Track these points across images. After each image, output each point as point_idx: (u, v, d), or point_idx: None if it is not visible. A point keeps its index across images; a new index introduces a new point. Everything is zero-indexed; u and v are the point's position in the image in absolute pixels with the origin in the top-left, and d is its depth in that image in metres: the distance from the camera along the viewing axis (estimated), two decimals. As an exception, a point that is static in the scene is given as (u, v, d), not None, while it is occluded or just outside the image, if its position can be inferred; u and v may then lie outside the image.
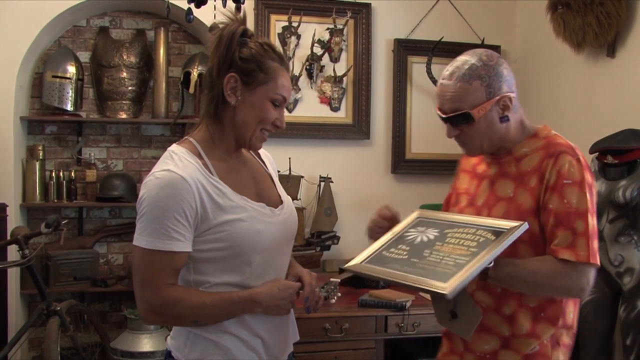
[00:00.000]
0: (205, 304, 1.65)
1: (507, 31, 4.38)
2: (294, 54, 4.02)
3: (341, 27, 4.07)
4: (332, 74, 4.10)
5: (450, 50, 4.13)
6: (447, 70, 1.85)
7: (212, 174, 1.69)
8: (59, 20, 3.91)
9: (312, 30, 4.03)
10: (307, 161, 4.04)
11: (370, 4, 4.14)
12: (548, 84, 3.99)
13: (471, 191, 1.97)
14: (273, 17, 4.01)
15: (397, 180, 4.25)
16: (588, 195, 1.72)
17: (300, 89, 4.05)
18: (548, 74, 4.00)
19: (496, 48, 4.16)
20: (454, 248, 1.71)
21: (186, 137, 1.78)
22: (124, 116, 4.18)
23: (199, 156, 1.71)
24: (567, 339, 1.85)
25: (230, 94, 1.71)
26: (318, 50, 4.04)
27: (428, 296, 3.16)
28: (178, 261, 1.64)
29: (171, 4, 3.07)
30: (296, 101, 4.05)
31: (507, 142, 1.87)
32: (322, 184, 4.00)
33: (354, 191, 4.16)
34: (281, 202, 1.86)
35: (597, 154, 3.09)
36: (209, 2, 2.70)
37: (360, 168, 4.19)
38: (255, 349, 1.74)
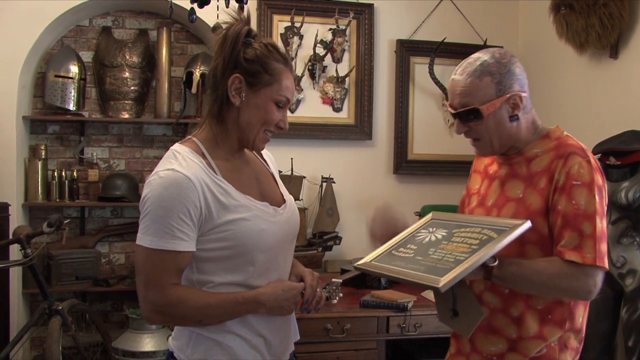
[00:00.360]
0: (209, 304, 1.65)
1: (509, 32, 4.38)
2: (296, 55, 4.02)
3: (344, 27, 4.07)
4: (335, 75, 4.10)
5: (453, 51, 4.15)
6: (460, 66, 1.85)
7: (216, 174, 1.69)
8: (61, 20, 3.92)
9: (315, 30, 4.03)
10: (309, 161, 4.04)
11: (372, 4, 4.14)
12: (551, 85, 3.99)
13: (482, 192, 1.97)
14: (275, 18, 4.01)
15: (399, 181, 4.25)
16: (597, 197, 1.71)
17: (302, 90, 4.05)
18: (551, 75, 4.00)
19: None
20: (457, 246, 1.72)
21: (189, 136, 1.78)
22: (126, 116, 4.18)
23: (203, 156, 1.70)
24: (574, 343, 1.84)
25: (235, 94, 1.71)
26: (320, 50, 4.04)
27: (431, 297, 3.16)
28: (182, 261, 1.64)
29: (174, 3, 3.07)
30: (298, 101, 4.05)
31: (518, 142, 1.86)
32: (324, 184, 4.00)
33: (356, 192, 4.16)
34: (284, 201, 1.86)
35: (599, 155, 3.09)
36: (211, 2, 2.70)
37: (362, 168, 4.19)
38: (258, 348, 1.74)
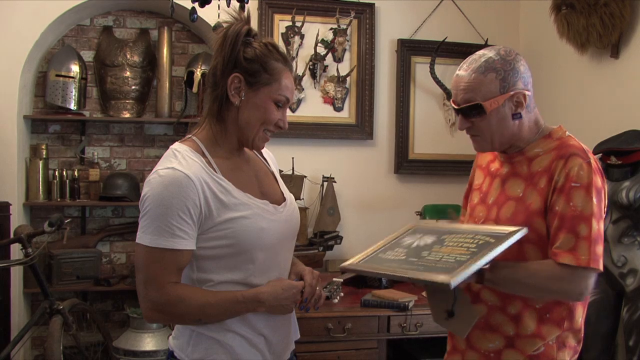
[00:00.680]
0: (209, 303, 1.65)
1: (510, 32, 4.38)
2: (297, 54, 4.02)
3: (345, 27, 4.07)
4: (336, 74, 4.10)
5: (454, 50, 4.15)
6: (465, 62, 1.85)
7: (216, 172, 1.69)
8: (62, 19, 3.92)
9: (316, 30, 4.03)
10: (310, 161, 4.04)
11: (373, 4, 4.14)
12: (551, 84, 3.98)
13: (484, 189, 1.97)
14: (277, 17, 4.01)
15: (400, 181, 4.25)
16: (594, 200, 1.71)
17: (303, 89, 4.05)
18: (552, 74, 4.00)
19: (500, 48, 4.15)
20: (453, 249, 1.73)
21: (189, 135, 1.78)
22: (127, 115, 4.19)
23: (202, 154, 1.71)
24: (573, 342, 1.84)
25: (234, 94, 1.71)
26: (321, 50, 4.04)
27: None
28: (181, 259, 1.64)
29: (175, 3, 3.07)
30: (299, 101, 4.05)
31: (520, 141, 1.86)
32: (325, 183, 4.00)
33: (357, 191, 4.16)
34: (284, 199, 1.86)
35: (600, 154, 3.09)
36: (212, 1, 2.69)
37: (363, 168, 4.19)
38: (259, 347, 1.74)
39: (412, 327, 3.18)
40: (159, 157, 1.72)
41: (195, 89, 4.10)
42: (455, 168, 4.26)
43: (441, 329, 2.03)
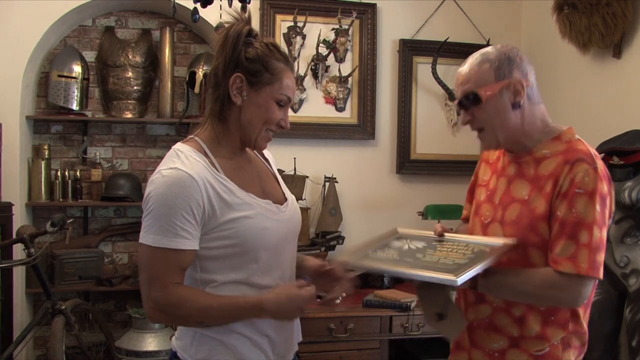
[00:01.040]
0: (212, 307, 1.64)
1: (512, 32, 4.37)
2: (299, 54, 4.02)
3: (346, 27, 4.07)
4: (338, 74, 4.10)
5: (456, 50, 4.14)
6: (466, 60, 1.87)
7: (219, 172, 1.69)
8: (65, 19, 3.92)
9: (318, 30, 4.03)
10: (312, 161, 4.04)
11: (375, 4, 4.14)
12: (553, 84, 3.98)
13: (491, 186, 1.95)
14: (278, 17, 4.01)
15: (402, 181, 4.25)
16: (598, 207, 1.69)
17: (305, 89, 4.05)
18: (554, 74, 3.99)
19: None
20: (448, 254, 1.76)
21: (191, 135, 1.78)
22: (130, 116, 4.19)
23: (205, 154, 1.71)
24: (578, 342, 1.84)
25: (236, 93, 1.71)
26: (323, 50, 4.04)
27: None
28: (185, 259, 1.64)
29: (177, 3, 3.06)
30: (301, 101, 4.05)
31: (526, 138, 1.84)
32: (327, 184, 4.00)
33: (359, 191, 4.16)
34: (285, 199, 1.87)
35: (603, 155, 3.08)
36: (214, 1, 2.70)
37: (365, 168, 4.19)
38: (262, 347, 1.74)
39: (414, 327, 3.18)
40: (161, 158, 1.72)
41: (197, 90, 4.10)
42: (457, 168, 4.26)
43: (443, 330, 2.04)
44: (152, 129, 4.38)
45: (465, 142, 4.20)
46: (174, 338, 1.81)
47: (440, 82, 4.09)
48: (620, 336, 3.14)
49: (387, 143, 4.22)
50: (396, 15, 4.21)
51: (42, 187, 4.00)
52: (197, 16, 2.79)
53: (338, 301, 1.82)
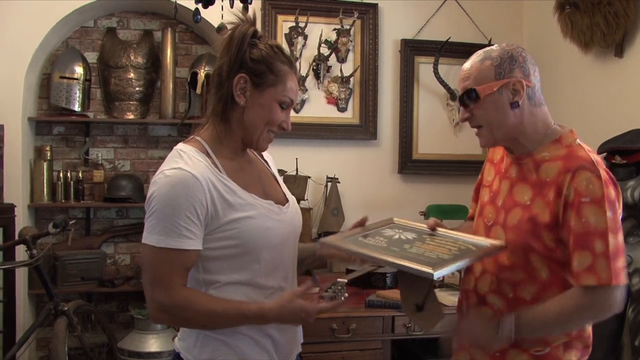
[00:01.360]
0: (215, 312, 1.64)
1: (514, 31, 4.37)
2: (301, 55, 4.02)
3: (348, 27, 4.07)
4: (339, 75, 4.10)
5: (457, 50, 4.14)
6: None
7: (221, 172, 1.70)
8: (66, 21, 3.93)
9: (319, 30, 4.03)
10: (314, 161, 4.04)
11: (377, 4, 4.14)
12: (555, 84, 3.98)
13: (494, 188, 1.94)
14: (280, 18, 4.01)
15: (404, 181, 4.24)
16: (609, 213, 1.66)
17: (307, 90, 4.05)
18: (555, 74, 3.99)
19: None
20: (435, 247, 1.78)
21: (193, 136, 1.78)
22: (131, 117, 4.19)
23: (207, 155, 1.71)
24: (580, 344, 1.84)
25: (240, 94, 1.72)
26: (325, 50, 4.04)
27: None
28: (188, 259, 1.64)
29: (178, 4, 3.07)
30: (303, 101, 4.05)
31: (525, 139, 1.82)
32: (329, 184, 4.00)
33: (361, 191, 4.16)
34: (286, 200, 1.87)
35: (605, 154, 3.08)
36: (216, 2, 2.70)
37: (367, 168, 4.18)
38: (266, 347, 1.74)
39: (417, 327, 3.18)
40: (163, 158, 1.72)
41: (199, 90, 4.10)
42: (459, 168, 4.26)
43: (445, 330, 2.04)
44: (154, 130, 4.38)
45: (467, 142, 4.20)
46: (176, 339, 1.81)
47: (441, 82, 4.09)
48: (623, 336, 3.14)
49: (389, 143, 4.22)
50: (398, 15, 4.21)
51: (44, 189, 4.00)
52: (199, 17, 2.79)
53: (342, 301, 1.83)
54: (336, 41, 4.07)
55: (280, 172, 3.66)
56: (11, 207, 3.65)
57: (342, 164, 4.11)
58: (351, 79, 4.11)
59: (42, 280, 3.42)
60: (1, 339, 3.59)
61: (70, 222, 3.43)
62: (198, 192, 1.62)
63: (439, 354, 2.25)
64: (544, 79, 4.15)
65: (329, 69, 4.07)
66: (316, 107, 4.08)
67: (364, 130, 4.14)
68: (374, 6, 4.13)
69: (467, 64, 1.84)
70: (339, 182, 4.00)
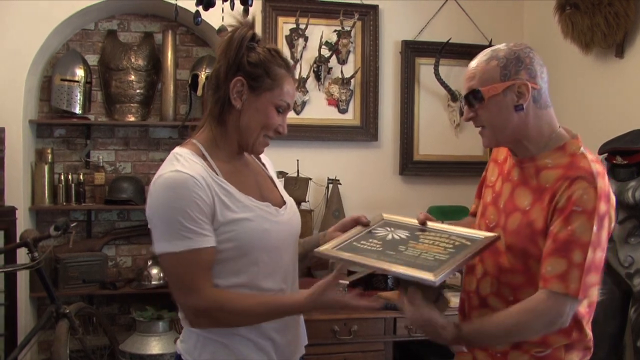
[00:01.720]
0: (252, 306, 1.66)
1: (514, 32, 4.37)
2: (301, 56, 4.02)
3: (349, 29, 4.07)
4: (340, 76, 4.09)
5: (458, 51, 4.14)
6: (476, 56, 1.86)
7: (217, 175, 1.70)
8: (67, 23, 3.93)
9: (320, 32, 4.02)
10: (315, 163, 4.04)
11: (377, 5, 4.13)
12: (556, 85, 3.94)
13: (497, 189, 1.93)
14: (280, 19, 4.01)
15: (405, 182, 4.24)
16: (595, 227, 1.64)
17: (307, 91, 4.05)
18: (556, 74, 3.98)
19: (504, 49, 4.15)
20: (430, 247, 1.76)
21: (189, 139, 1.79)
22: (132, 119, 4.19)
23: (203, 157, 1.71)
24: (581, 346, 1.83)
25: (236, 97, 1.72)
26: (325, 52, 4.04)
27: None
28: (207, 257, 1.63)
29: (179, 6, 3.07)
30: (304, 103, 4.04)
31: (529, 142, 1.80)
32: (330, 186, 3.99)
33: (362, 193, 4.15)
34: (284, 202, 1.87)
35: (606, 154, 3.08)
36: (216, 4, 2.70)
37: (368, 170, 4.18)
38: (266, 350, 1.74)
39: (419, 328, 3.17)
40: (164, 161, 1.73)
41: (199, 92, 4.10)
42: (460, 169, 4.26)
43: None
44: (154, 132, 4.38)
45: (468, 143, 4.20)
46: (178, 341, 1.81)
47: (442, 83, 4.09)
48: (625, 336, 3.13)
49: (390, 144, 4.22)
50: (398, 17, 4.21)
51: (46, 191, 4.00)
52: (200, 19, 2.80)
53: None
54: (337, 43, 4.07)
55: (282, 173, 3.67)
56: (12, 210, 3.66)
57: (343, 166, 4.11)
58: (352, 81, 4.11)
59: (43, 283, 3.42)
60: (3, 342, 3.60)
61: (72, 225, 3.43)
62: (200, 190, 1.62)
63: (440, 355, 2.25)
64: (545, 79, 4.08)
65: (329, 70, 4.07)
66: (317, 108, 4.08)
67: (365, 131, 4.14)
68: (375, 7, 4.13)
69: (474, 63, 1.82)
70: (340, 184, 4.00)
